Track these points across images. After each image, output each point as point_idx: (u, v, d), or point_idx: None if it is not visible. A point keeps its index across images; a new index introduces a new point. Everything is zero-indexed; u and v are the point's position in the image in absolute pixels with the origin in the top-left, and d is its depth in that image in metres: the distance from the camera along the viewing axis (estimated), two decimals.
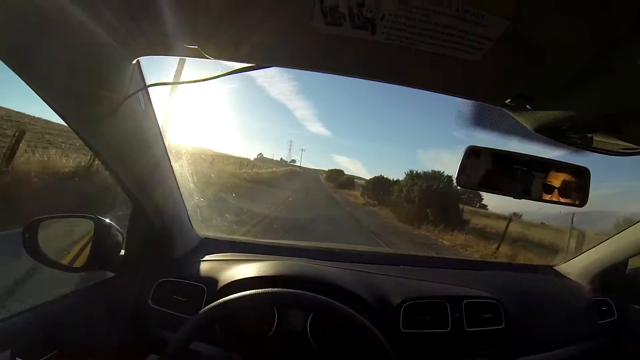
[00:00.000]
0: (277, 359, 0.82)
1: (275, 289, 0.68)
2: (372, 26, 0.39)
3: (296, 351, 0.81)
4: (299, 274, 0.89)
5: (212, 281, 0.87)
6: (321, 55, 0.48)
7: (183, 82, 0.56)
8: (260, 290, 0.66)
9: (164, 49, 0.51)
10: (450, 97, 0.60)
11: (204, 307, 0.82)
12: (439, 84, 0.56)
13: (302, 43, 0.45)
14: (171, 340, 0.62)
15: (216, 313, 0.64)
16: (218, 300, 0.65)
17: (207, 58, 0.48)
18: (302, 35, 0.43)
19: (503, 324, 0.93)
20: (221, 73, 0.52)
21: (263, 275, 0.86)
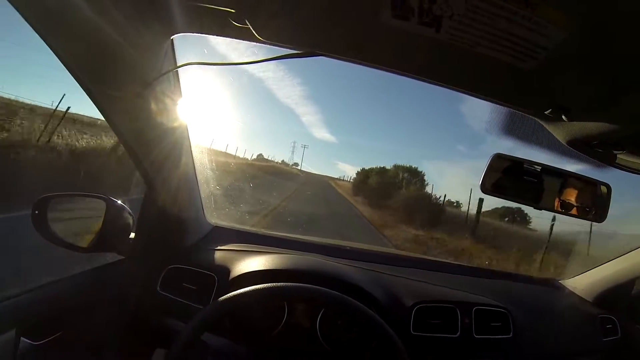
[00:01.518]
0: (284, 353, 0.81)
1: (291, 284, 0.67)
2: (438, 24, 0.38)
3: (304, 347, 0.81)
4: (312, 269, 0.88)
5: (223, 271, 0.86)
6: (379, 49, 0.48)
7: (218, 64, 0.55)
8: (275, 285, 0.66)
9: (207, 27, 0.49)
10: (470, 106, 0.60)
11: (214, 296, 0.82)
12: (487, 89, 0.56)
13: (364, 34, 0.44)
14: (182, 331, 0.61)
15: (230, 305, 0.64)
16: (233, 292, 0.64)
17: (257, 40, 0.47)
18: (366, 26, 0.42)
19: (511, 334, 0.93)
20: (270, 57, 0.51)
21: (276, 268, 0.85)
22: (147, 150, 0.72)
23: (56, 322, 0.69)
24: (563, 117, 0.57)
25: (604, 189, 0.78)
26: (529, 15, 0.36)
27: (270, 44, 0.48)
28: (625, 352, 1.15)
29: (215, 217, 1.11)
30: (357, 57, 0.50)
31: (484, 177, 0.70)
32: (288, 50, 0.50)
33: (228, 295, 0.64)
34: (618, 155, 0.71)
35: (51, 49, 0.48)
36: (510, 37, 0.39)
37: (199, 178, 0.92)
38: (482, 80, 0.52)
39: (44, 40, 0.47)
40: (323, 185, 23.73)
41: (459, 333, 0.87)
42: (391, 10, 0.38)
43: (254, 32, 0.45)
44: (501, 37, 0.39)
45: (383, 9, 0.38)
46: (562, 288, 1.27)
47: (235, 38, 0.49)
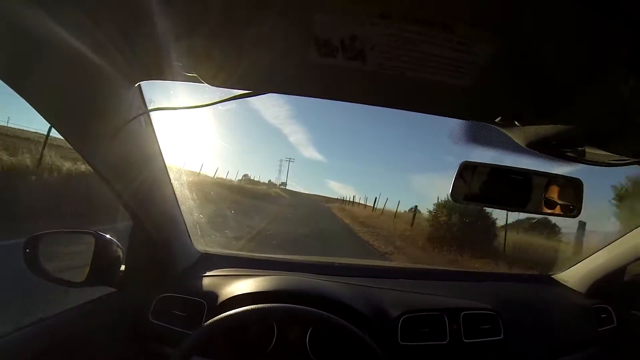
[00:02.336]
0: None
1: (274, 305, 0.68)
2: (363, 57, 0.40)
3: None
4: (298, 288, 0.89)
5: (212, 296, 0.88)
6: (317, 83, 0.50)
7: (181, 108, 0.58)
8: (259, 306, 0.67)
9: (164, 75, 0.52)
10: (442, 119, 0.62)
11: (204, 321, 0.83)
12: (430, 107, 0.57)
13: (298, 72, 0.47)
14: (171, 357, 0.62)
15: (216, 328, 0.65)
16: (218, 316, 0.66)
17: (205, 84, 0.50)
18: (298, 65, 0.44)
19: (502, 335, 0.93)
20: (219, 99, 0.54)
21: (262, 290, 0.87)
22: (127, 187, 0.75)
23: (52, 356, 0.71)
24: (516, 122, 0.58)
25: (576, 183, 0.80)
26: (449, 36, 0.37)
27: (219, 87, 0.51)
28: (622, 339, 1.15)
29: (202, 244, 1.13)
30: (301, 92, 0.53)
31: (453, 186, 0.71)
32: (239, 90, 0.52)
33: (214, 319, 0.66)
34: (585, 151, 0.72)
35: (20, 94, 0.51)
36: (438, 59, 0.41)
37: (182, 208, 0.94)
38: (424, 100, 0.53)
39: (12, 88, 0.50)
40: (317, 210, 16.81)
41: (448, 339, 0.88)
42: (317, 50, 0.40)
43: (200, 79, 0.48)
44: (429, 60, 0.41)
45: (310, 50, 0.40)
46: (555, 282, 1.28)
47: (190, 82, 0.52)
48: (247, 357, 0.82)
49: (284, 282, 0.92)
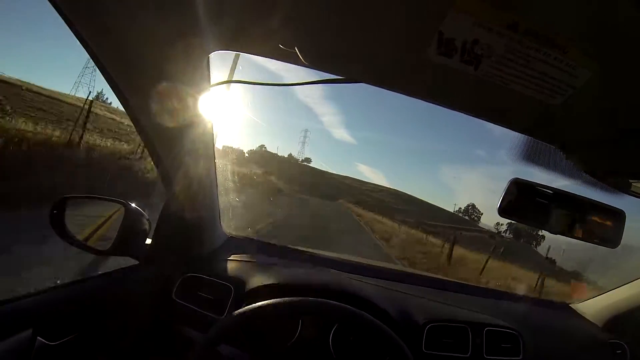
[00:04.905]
0: None
1: (309, 299, 0.68)
2: (477, 62, 0.41)
3: None
4: (326, 284, 0.89)
5: (240, 282, 0.87)
6: (420, 82, 0.50)
7: (262, 84, 0.57)
8: (294, 299, 0.67)
9: (252, 47, 0.51)
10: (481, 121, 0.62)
11: (229, 306, 0.82)
12: (513, 121, 0.58)
13: (406, 67, 0.47)
14: (200, 341, 0.62)
15: (248, 317, 0.65)
16: (252, 305, 0.65)
17: (301, 64, 0.48)
18: (410, 60, 0.44)
19: (520, 356, 0.92)
20: (311, 80, 0.53)
21: (292, 282, 0.86)
22: (173, 159, 0.74)
23: (72, 324, 0.70)
24: (582, 148, 0.58)
25: (618, 215, 0.79)
26: (560, 57, 0.39)
27: (313, 69, 0.50)
28: None
29: (230, 228, 1.13)
30: (398, 87, 0.52)
31: (502, 200, 0.71)
32: (330, 75, 0.51)
33: (247, 307, 0.65)
34: (633, 184, 0.72)
35: (89, 52, 0.50)
36: (543, 77, 0.42)
37: (219, 188, 0.93)
38: (509, 113, 0.54)
39: (83, 44, 0.49)
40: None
41: (469, 353, 0.87)
42: (436, 47, 0.40)
43: (300, 56, 0.47)
44: (535, 77, 0.42)
45: (431, 45, 0.40)
46: (573, 312, 1.26)
47: (279, 60, 0.51)
48: (268, 347, 0.81)
49: (312, 275, 0.91)
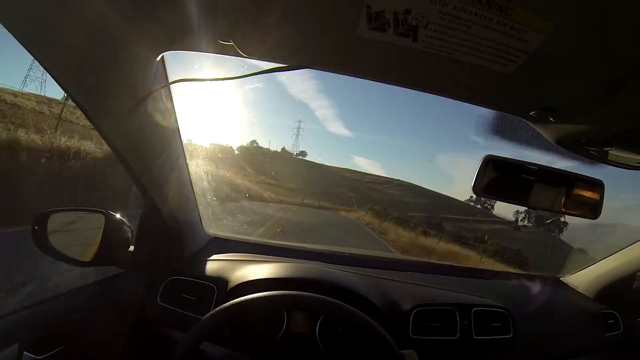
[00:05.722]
0: None
1: (286, 292, 0.67)
2: (414, 34, 0.39)
3: (304, 354, 0.81)
4: (310, 277, 0.88)
5: (222, 281, 0.86)
6: (359, 60, 0.49)
7: (209, 80, 0.56)
8: (270, 293, 0.66)
9: (194, 45, 0.50)
10: (470, 105, 0.61)
11: (213, 306, 0.82)
12: (468, 95, 0.57)
13: (342, 46, 0.45)
14: (181, 341, 0.61)
15: (228, 314, 0.64)
16: (230, 302, 0.65)
17: (242, 56, 0.48)
18: (343, 39, 0.43)
19: (511, 334, 0.93)
20: (254, 72, 0.52)
21: (274, 277, 0.86)
22: (142, 164, 0.73)
23: (58, 336, 0.70)
24: (550, 118, 0.57)
25: (597, 185, 0.79)
26: (504, 20, 0.36)
27: (255, 59, 0.49)
28: (628, 346, 1.14)
29: (213, 228, 1.12)
30: (340, 69, 0.51)
31: (476, 179, 0.70)
32: (274, 64, 0.51)
33: (225, 304, 0.64)
34: (609, 152, 0.71)
35: (41, 64, 0.49)
36: (488, 43, 0.40)
37: (195, 190, 0.93)
38: (463, 85, 0.52)
39: (34, 56, 0.48)
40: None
41: (458, 335, 0.87)
42: (367, 22, 0.38)
43: (237, 49, 0.46)
44: (480, 44, 0.40)
45: (360, 23, 0.39)
46: (563, 285, 1.27)
47: (222, 54, 0.50)
48: (256, 343, 0.81)
49: (296, 269, 0.91)
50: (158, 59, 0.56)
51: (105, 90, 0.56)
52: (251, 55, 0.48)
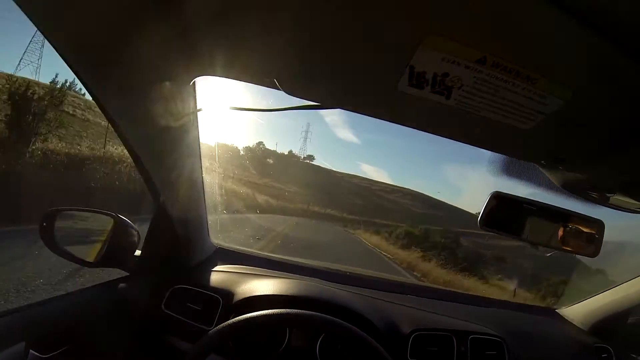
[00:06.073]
0: None
1: (293, 310, 0.69)
2: (448, 93, 0.43)
3: None
4: (313, 295, 0.90)
5: (227, 293, 0.88)
6: (394, 109, 0.52)
7: (241, 109, 0.59)
8: (278, 311, 0.68)
9: (232, 73, 0.53)
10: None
11: (218, 317, 0.83)
12: (485, 143, 0.61)
13: (380, 96, 0.49)
14: (189, 353, 0.63)
15: (235, 329, 0.66)
16: (238, 317, 0.66)
17: (278, 89, 0.50)
18: (384, 90, 0.46)
19: None
20: (287, 106, 0.55)
21: (279, 294, 0.87)
22: (161, 174, 0.75)
23: (64, 336, 0.71)
24: (559, 166, 0.61)
25: (597, 225, 0.81)
26: (529, 87, 0.40)
27: (293, 96, 0.52)
28: None
29: (218, 239, 1.14)
30: (374, 113, 0.54)
31: (482, 213, 0.72)
32: (308, 101, 0.54)
33: (235, 319, 0.66)
34: (610, 197, 0.74)
35: (79, 78, 0.51)
36: (512, 104, 0.43)
37: (206, 199, 0.94)
38: (484, 136, 0.56)
39: (74, 71, 0.50)
40: None
41: None
42: (407, 80, 0.42)
43: (277, 83, 0.49)
44: (502, 104, 0.44)
45: (402, 78, 0.42)
46: (559, 317, 1.28)
47: (261, 85, 0.52)
48: (258, 357, 0.82)
49: (299, 287, 0.92)
50: (191, 83, 0.58)
51: (135, 109, 0.58)
52: (289, 91, 0.50)
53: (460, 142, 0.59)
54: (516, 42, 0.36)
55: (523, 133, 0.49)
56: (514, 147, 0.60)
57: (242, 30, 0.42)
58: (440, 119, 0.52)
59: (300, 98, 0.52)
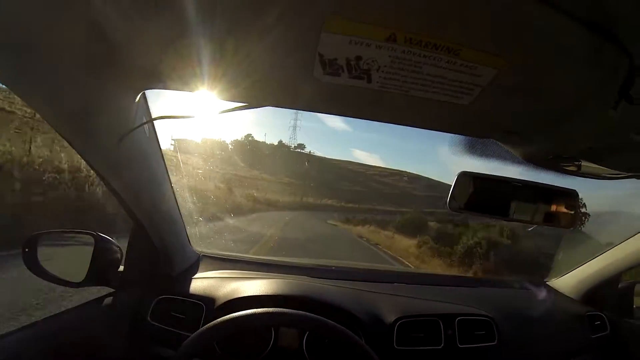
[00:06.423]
0: None
1: (274, 309, 0.69)
2: (368, 76, 0.41)
3: None
4: (295, 293, 0.90)
5: (210, 299, 0.88)
6: (321, 99, 0.51)
7: (184, 117, 0.59)
8: (256, 311, 0.68)
9: (170, 84, 0.53)
10: None
11: (202, 324, 0.84)
12: (432, 123, 0.59)
13: (303, 89, 0.48)
14: (170, 358, 0.63)
15: (214, 332, 0.66)
16: (215, 321, 0.67)
17: (212, 95, 0.51)
18: (303, 82, 0.46)
19: (495, 341, 0.95)
20: (226, 109, 0.55)
21: (260, 294, 0.88)
22: (129, 192, 0.75)
23: (51, 357, 0.71)
24: (514, 139, 0.60)
25: (571, 195, 0.81)
26: (453, 59, 0.38)
27: (228, 100, 0.53)
28: (615, 347, 1.17)
29: (201, 246, 1.14)
30: (306, 107, 0.54)
31: (451, 195, 0.72)
32: (242, 103, 0.54)
33: (213, 322, 0.67)
34: (580, 165, 0.74)
35: (25, 100, 0.51)
36: (441, 80, 0.42)
37: (182, 212, 0.95)
38: (425, 117, 0.55)
39: (17, 94, 0.50)
40: None
41: (442, 344, 0.89)
42: (322, 69, 0.41)
43: (213, 93, 0.50)
44: (432, 81, 0.42)
45: (315, 69, 0.41)
46: (549, 289, 1.29)
47: (197, 92, 0.53)
48: (245, 359, 0.83)
49: (281, 285, 0.93)
50: (140, 95, 0.59)
51: (88, 127, 0.58)
52: (220, 96, 0.51)
53: (403, 125, 0.58)
54: (423, 13, 0.33)
55: (465, 109, 0.47)
56: (461, 125, 0.58)
57: (172, 42, 0.42)
58: (371, 104, 0.50)
59: (229, 101, 0.52)
